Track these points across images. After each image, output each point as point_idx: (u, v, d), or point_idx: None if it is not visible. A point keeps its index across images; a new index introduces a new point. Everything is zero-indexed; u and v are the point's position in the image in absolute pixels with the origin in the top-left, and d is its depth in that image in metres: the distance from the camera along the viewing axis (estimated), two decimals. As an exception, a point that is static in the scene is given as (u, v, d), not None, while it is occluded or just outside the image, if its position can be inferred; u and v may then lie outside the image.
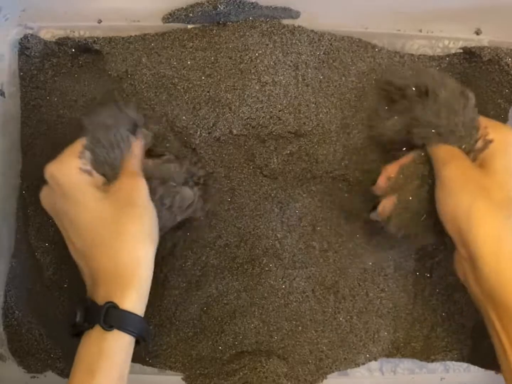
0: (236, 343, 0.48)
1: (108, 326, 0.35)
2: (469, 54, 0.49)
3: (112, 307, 0.35)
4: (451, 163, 0.40)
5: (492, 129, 0.41)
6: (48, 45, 0.48)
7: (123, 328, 0.36)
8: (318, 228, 0.49)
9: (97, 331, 0.36)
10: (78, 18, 0.48)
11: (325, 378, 0.48)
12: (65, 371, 0.49)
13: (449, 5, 0.48)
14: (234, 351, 0.48)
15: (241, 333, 0.48)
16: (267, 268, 0.48)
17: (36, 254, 0.49)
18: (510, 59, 0.48)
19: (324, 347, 0.48)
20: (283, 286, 0.48)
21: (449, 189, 0.39)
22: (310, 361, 0.48)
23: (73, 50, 0.49)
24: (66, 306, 0.49)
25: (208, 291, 0.48)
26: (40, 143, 0.49)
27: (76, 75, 0.49)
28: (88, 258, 0.38)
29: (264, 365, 0.46)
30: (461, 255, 0.39)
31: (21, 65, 0.49)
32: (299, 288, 0.48)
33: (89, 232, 0.38)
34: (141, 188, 0.39)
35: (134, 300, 0.37)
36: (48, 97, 0.49)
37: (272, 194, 0.48)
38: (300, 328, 0.48)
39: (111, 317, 0.35)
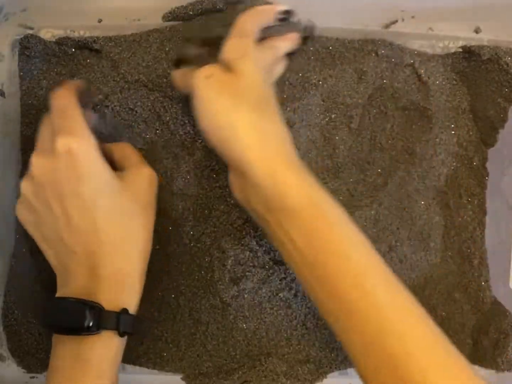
0: (236, 343, 0.48)
1: (122, 332, 0.36)
2: (469, 53, 0.49)
3: (124, 313, 0.36)
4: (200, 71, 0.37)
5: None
6: (48, 45, 0.48)
7: (131, 332, 0.36)
8: None
9: (107, 335, 0.36)
10: (78, 18, 0.49)
11: (325, 378, 0.48)
12: (64, 371, 0.48)
13: (448, 4, 0.48)
14: (233, 351, 0.48)
15: (241, 332, 0.48)
16: (269, 274, 0.48)
17: (36, 253, 0.49)
18: (509, 58, 0.48)
19: (324, 346, 0.48)
20: (285, 289, 0.48)
21: (205, 100, 0.36)
22: (310, 360, 0.48)
23: (73, 50, 0.49)
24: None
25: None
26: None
27: (76, 75, 0.49)
28: (92, 251, 0.36)
29: (263, 364, 0.46)
30: (232, 170, 0.38)
31: (21, 65, 0.49)
32: (300, 291, 0.48)
33: (104, 223, 0.36)
34: (155, 182, 0.40)
35: (138, 303, 0.38)
36: (48, 97, 0.49)
37: None
38: (300, 327, 0.48)
39: (124, 323, 0.36)
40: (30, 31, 0.49)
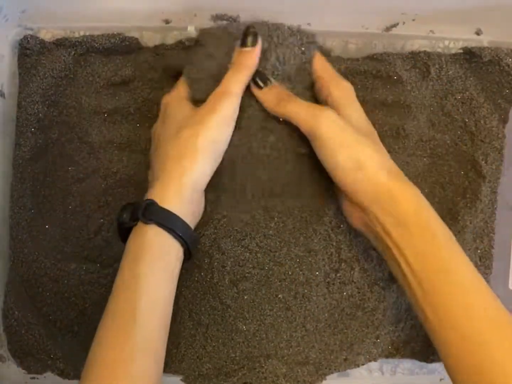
0: (236, 344, 0.48)
1: (147, 219, 0.38)
2: (469, 55, 0.49)
3: (151, 203, 0.38)
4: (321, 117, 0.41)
5: (333, 86, 0.43)
6: (48, 46, 0.48)
7: (161, 224, 0.38)
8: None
9: (139, 226, 0.38)
10: (78, 19, 0.49)
11: (324, 379, 0.48)
12: (65, 372, 0.48)
13: (449, 5, 0.48)
14: (233, 353, 0.48)
15: (240, 334, 0.48)
16: (269, 275, 0.48)
17: (36, 253, 0.49)
18: (510, 60, 0.48)
19: (323, 348, 0.48)
20: (285, 290, 0.48)
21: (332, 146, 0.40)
22: (309, 362, 0.48)
23: (73, 50, 0.49)
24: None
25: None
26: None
27: (75, 76, 0.49)
28: (157, 155, 0.42)
29: (263, 365, 0.46)
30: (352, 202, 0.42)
31: (21, 65, 0.49)
32: (299, 292, 0.48)
33: (172, 127, 0.42)
34: (229, 101, 0.41)
35: (174, 202, 0.39)
36: (47, 98, 0.49)
37: None
38: (299, 329, 0.48)
39: (150, 212, 0.38)
40: (30, 32, 0.49)
